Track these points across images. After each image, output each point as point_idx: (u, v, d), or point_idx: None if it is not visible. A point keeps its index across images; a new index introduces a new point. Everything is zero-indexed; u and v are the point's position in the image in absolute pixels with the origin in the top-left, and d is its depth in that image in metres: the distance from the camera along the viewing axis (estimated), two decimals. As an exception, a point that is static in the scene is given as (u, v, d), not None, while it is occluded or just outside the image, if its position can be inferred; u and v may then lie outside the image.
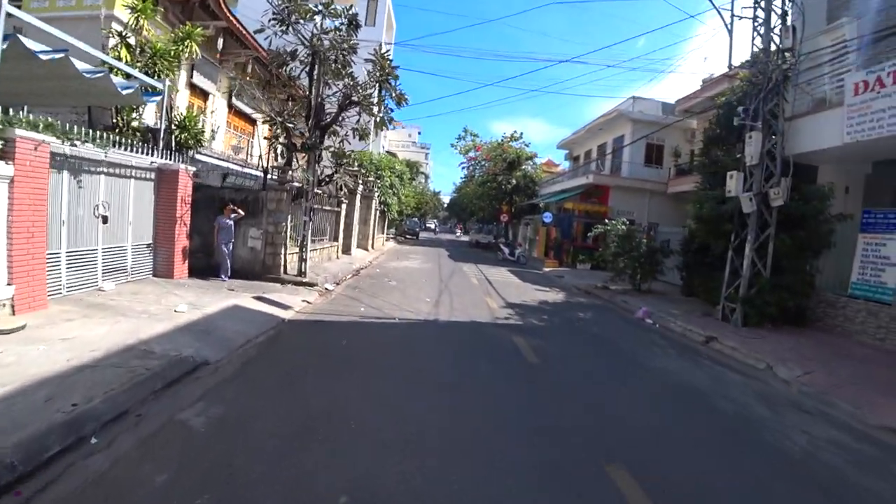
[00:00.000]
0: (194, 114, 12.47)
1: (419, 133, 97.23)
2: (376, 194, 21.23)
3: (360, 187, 17.25)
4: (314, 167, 10.23)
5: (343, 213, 15.38)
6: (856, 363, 7.10)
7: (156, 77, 10.27)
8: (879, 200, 9.63)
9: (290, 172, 10.54)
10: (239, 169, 13.67)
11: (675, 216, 22.88)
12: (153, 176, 8.88)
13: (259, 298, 8.09)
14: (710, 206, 9.96)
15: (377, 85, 10.25)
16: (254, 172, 12.51)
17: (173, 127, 12.03)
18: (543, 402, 4.71)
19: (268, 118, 9.91)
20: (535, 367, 5.89)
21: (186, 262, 9.49)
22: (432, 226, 70.55)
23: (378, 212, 23.44)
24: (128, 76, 8.89)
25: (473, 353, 6.27)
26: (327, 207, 13.86)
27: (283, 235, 10.32)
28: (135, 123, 11.27)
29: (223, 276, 9.67)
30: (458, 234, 46.34)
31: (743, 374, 6.56)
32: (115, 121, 10.24)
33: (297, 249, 10.91)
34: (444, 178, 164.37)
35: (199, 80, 14.39)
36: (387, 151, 32.63)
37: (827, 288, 9.75)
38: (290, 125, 9.79)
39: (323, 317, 7.73)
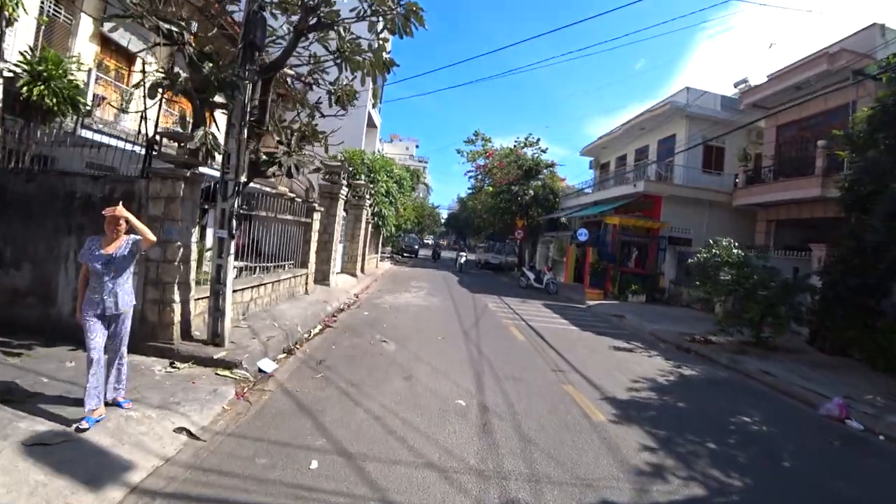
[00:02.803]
0: (66, 59, 7.54)
1: (416, 146, 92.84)
2: (367, 203, 16.19)
3: (344, 190, 12.22)
4: (239, 131, 5.25)
5: (316, 225, 10.37)
6: None
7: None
8: None
9: (203, 148, 5.54)
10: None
11: (741, 233, 18.16)
12: None
13: (29, 453, 2.99)
14: None
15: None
16: (209, 172, 7.02)
17: (18, 73, 7.10)
18: None
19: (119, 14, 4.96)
20: None
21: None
22: (430, 242, 65.27)
23: (370, 225, 18.41)
24: None
25: None
26: (287, 216, 8.85)
27: (177, 267, 5.29)
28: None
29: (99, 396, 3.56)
30: (462, 255, 28.81)
31: None
32: None
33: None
34: (440, 193, 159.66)
35: (115, 31, 9.60)
36: (381, 155, 27.78)
37: None
38: (175, 30, 4.86)
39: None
